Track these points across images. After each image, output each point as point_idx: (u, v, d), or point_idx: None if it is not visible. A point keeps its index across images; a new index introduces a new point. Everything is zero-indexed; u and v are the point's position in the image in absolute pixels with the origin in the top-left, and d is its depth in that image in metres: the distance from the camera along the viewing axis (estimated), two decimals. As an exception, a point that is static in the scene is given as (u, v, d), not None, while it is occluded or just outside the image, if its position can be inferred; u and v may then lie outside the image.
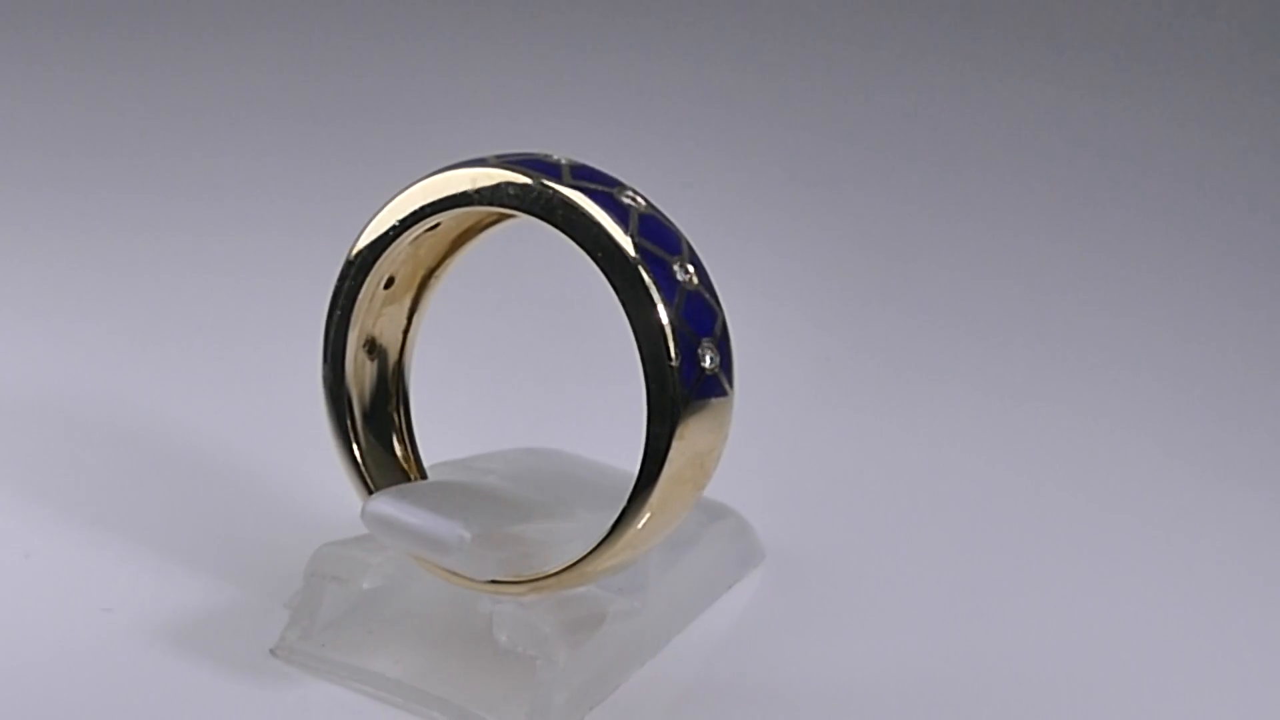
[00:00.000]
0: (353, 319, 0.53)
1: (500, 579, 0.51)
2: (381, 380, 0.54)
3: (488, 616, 0.52)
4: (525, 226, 0.51)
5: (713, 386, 0.49)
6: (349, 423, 0.54)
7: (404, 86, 0.83)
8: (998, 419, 0.66)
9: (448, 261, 0.55)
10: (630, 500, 0.49)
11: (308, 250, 0.69)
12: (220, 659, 0.53)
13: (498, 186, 0.50)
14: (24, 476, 0.58)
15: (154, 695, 0.52)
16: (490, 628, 0.52)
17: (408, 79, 0.83)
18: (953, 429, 0.65)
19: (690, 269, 0.50)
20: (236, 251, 0.71)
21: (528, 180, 0.50)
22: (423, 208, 0.52)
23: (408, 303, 0.54)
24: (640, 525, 0.50)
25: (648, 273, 0.49)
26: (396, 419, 0.55)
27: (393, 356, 0.55)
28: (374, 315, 0.54)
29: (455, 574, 0.52)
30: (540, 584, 0.51)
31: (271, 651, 0.53)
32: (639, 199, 0.50)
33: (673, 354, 0.49)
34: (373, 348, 0.54)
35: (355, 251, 0.53)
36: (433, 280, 0.55)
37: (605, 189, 0.50)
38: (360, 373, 0.54)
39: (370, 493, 0.53)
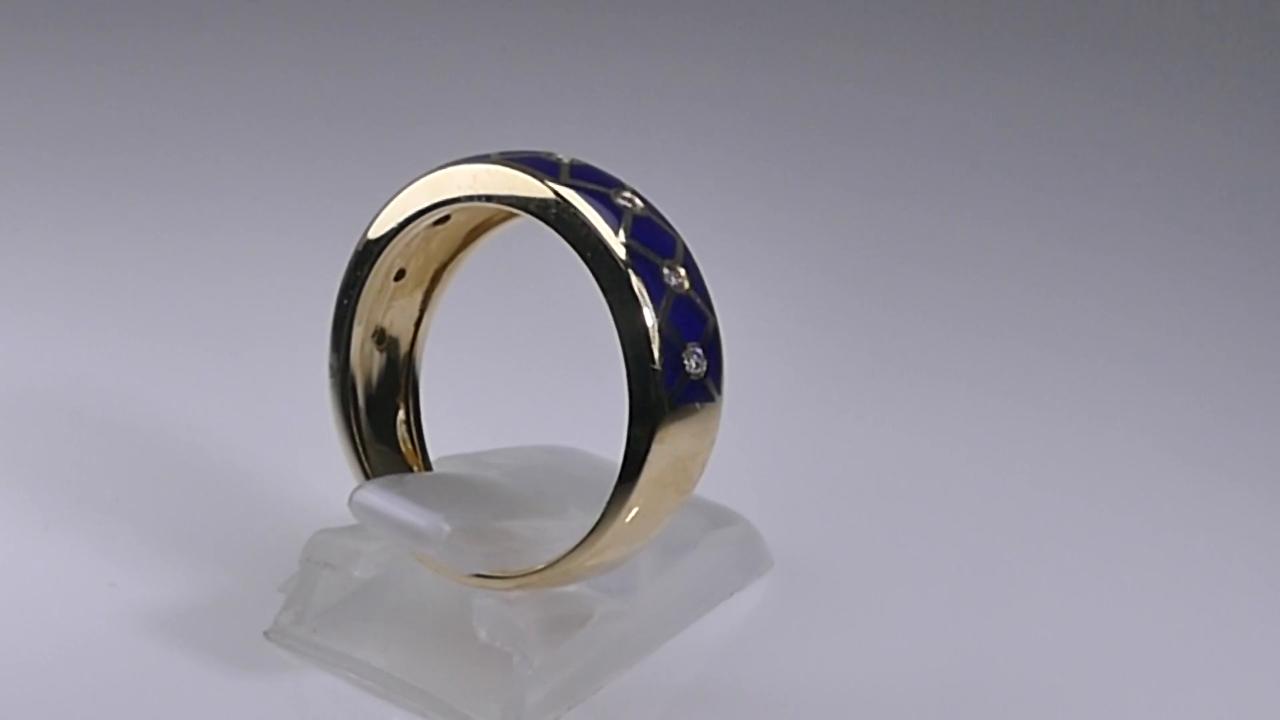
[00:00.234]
0: (359, 309, 0.53)
1: (487, 574, 0.52)
2: (391, 371, 0.55)
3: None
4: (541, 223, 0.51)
5: (697, 391, 0.49)
6: (352, 411, 0.54)
7: (416, 86, 0.83)
8: (1005, 423, 0.66)
9: (461, 256, 0.55)
10: (610, 501, 0.49)
11: (314, 246, 0.70)
12: (216, 640, 0.54)
13: (494, 183, 0.51)
14: (30, 465, 0.59)
15: (148, 673, 0.52)
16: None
17: (421, 78, 0.84)
18: (962, 435, 0.65)
19: (682, 273, 0.50)
20: (242, 248, 0.72)
21: (526, 177, 0.50)
22: (425, 202, 0.52)
23: (420, 296, 0.55)
24: (619, 526, 0.50)
25: (634, 274, 0.49)
26: (404, 410, 0.55)
27: (404, 348, 0.55)
28: (384, 306, 0.54)
29: (444, 567, 0.52)
30: (525, 581, 0.51)
31: (265, 634, 0.54)
32: (637, 201, 0.50)
33: (655, 357, 0.49)
34: (382, 338, 0.55)
35: (361, 243, 0.53)
36: (445, 274, 0.55)
37: (602, 189, 0.50)
38: (367, 362, 0.54)
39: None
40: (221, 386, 0.64)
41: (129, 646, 0.53)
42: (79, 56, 0.84)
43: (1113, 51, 0.94)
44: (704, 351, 0.49)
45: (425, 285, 0.55)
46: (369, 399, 0.54)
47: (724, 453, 0.60)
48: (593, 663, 0.52)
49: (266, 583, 0.55)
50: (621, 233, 0.49)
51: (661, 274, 0.49)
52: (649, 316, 0.49)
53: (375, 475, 0.53)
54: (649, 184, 0.51)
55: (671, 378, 0.49)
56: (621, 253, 0.49)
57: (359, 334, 0.54)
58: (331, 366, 0.54)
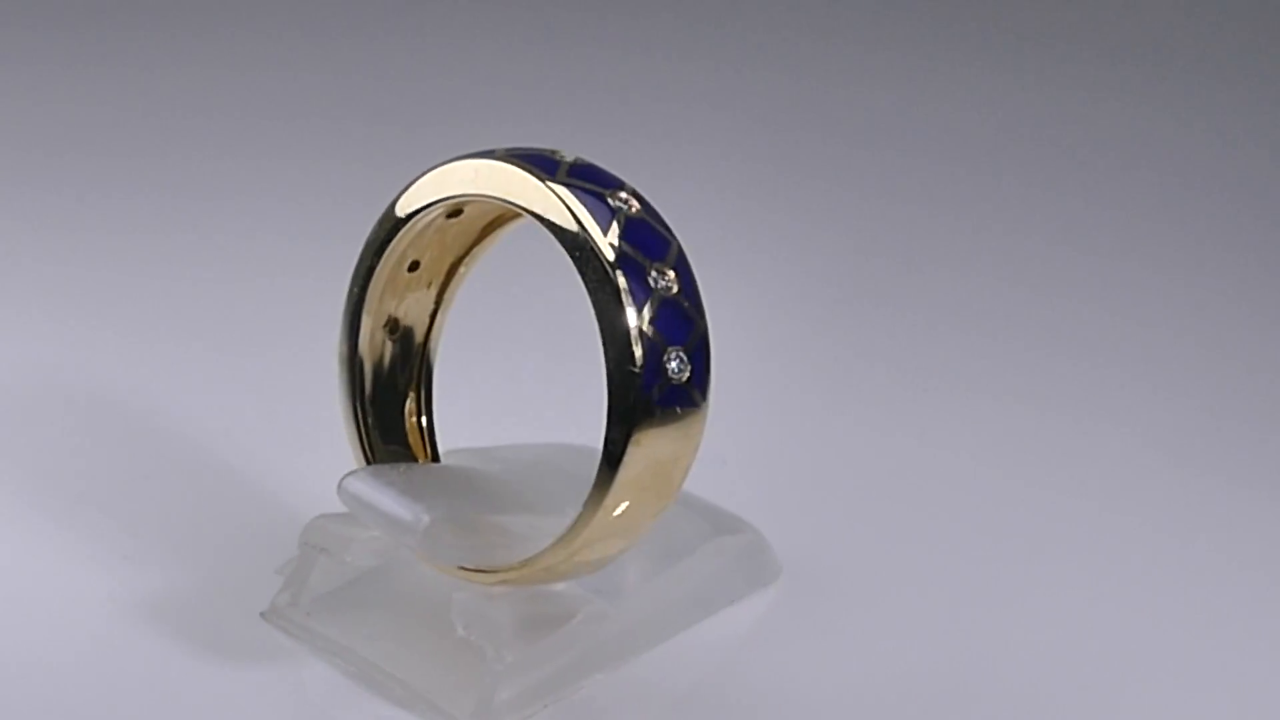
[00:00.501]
0: (368, 298, 0.54)
1: (472, 568, 0.52)
2: (403, 361, 0.55)
3: (465, 605, 0.52)
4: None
5: (679, 396, 0.49)
6: (358, 399, 0.55)
7: (423, 86, 0.84)
8: (1008, 425, 0.65)
9: (476, 250, 0.55)
10: (586, 501, 0.49)
11: (320, 242, 0.71)
12: (214, 618, 0.54)
13: (494, 179, 0.51)
14: (38, 456, 0.60)
15: (143, 649, 0.53)
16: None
17: (430, 78, 0.84)
18: (968, 438, 0.64)
19: (671, 276, 0.49)
20: (248, 245, 0.73)
21: (524, 174, 0.50)
22: (429, 196, 0.52)
23: (435, 288, 0.55)
24: (596, 527, 0.49)
25: (619, 275, 0.49)
26: (414, 401, 0.55)
27: (418, 340, 0.55)
28: (396, 297, 0.55)
29: (428, 559, 0.52)
30: (507, 576, 0.51)
31: (261, 614, 0.54)
32: (633, 203, 0.50)
33: (636, 359, 0.48)
34: (395, 328, 0.55)
35: (371, 233, 0.54)
36: (462, 268, 0.55)
37: (598, 189, 0.50)
38: (377, 351, 0.55)
39: (371, 470, 0.54)
40: (230, 380, 0.64)
41: (126, 624, 0.54)
42: (81, 57, 0.85)
43: (1110, 51, 0.92)
44: (689, 356, 0.49)
45: (441, 278, 0.55)
46: (377, 388, 0.55)
47: (735, 458, 0.60)
48: (573, 662, 0.52)
49: (271, 565, 0.56)
50: (611, 233, 0.49)
51: (648, 276, 0.49)
52: (631, 318, 0.48)
53: (379, 464, 0.54)
54: (648, 184, 0.51)
55: (651, 381, 0.48)
56: (608, 253, 0.49)
57: (369, 323, 0.54)
58: (341, 354, 0.55)
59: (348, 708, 0.52)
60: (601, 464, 0.49)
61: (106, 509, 0.58)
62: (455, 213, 0.53)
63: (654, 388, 0.49)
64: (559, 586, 0.53)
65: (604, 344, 0.49)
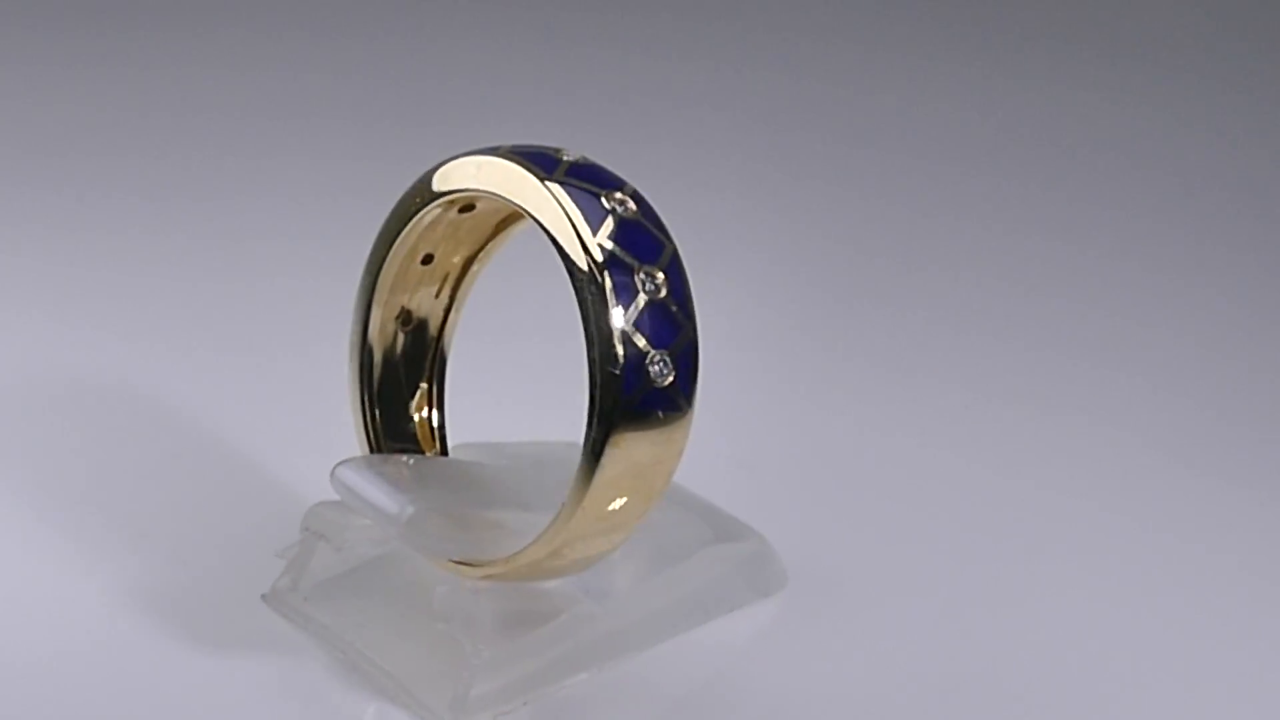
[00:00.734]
0: (378, 287, 0.54)
1: (461, 560, 0.52)
2: (416, 353, 0.56)
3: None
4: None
5: (661, 400, 0.49)
6: (365, 388, 0.55)
7: (432, 87, 0.84)
8: (1009, 428, 0.65)
9: (491, 246, 0.55)
10: (565, 501, 0.49)
11: (328, 239, 0.71)
12: (218, 599, 0.55)
13: (493, 175, 0.51)
14: (43, 447, 0.61)
15: (147, 629, 0.54)
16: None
17: (437, 77, 0.84)
18: (967, 441, 0.64)
19: (661, 279, 0.49)
20: (256, 243, 0.73)
21: (523, 172, 0.50)
22: (432, 189, 0.53)
23: (449, 282, 0.56)
24: (574, 526, 0.49)
25: (604, 276, 0.49)
26: (424, 394, 0.56)
27: (431, 332, 0.56)
28: (409, 289, 0.55)
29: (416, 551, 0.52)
30: (492, 571, 0.52)
31: (262, 597, 0.55)
32: (630, 204, 0.50)
33: (617, 360, 0.48)
34: (408, 319, 0.55)
35: (382, 225, 0.54)
36: (476, 264, 0.56)
37: (594, 189, 0.50)
38: (389, 341, 0.55)
39: (375, 459, 0.54)
40: (240, 374, 0.65)
41: (131, 602, 0.55)
42: (80, 58, 0.86)
43: (1110, 51, 0.91)
44: (673, 361, 0.49)
45: (456, 273, 0.56)
46: (386, 378, 0.55)
47: (733, 460, 0.60)
48: (555, 661, 0.52)
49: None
50: (601, 234, 0.49)
51: (636, 279, 0.49)
52: (614, 319, 0.48)
53: (378, 454, 0.54)
54: (647, 184, 0.51)
55: (631, 383, 0.48)
56: (596, 253, 0.49)
57: (379, 313, 0.55)
58: (351, 342, 0.55)
59: (333, 695, 0.52)
60: (581, 463, 0.49)
61: (116, 492, 0.59)
62: (468, 208, 0.54)
63: (635, 390, 0.48)
64: (549, 585, 0.53)
65: (587, 344, 0.49)
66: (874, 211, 0.78)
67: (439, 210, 0.53)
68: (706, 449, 0.60)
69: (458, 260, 0.55)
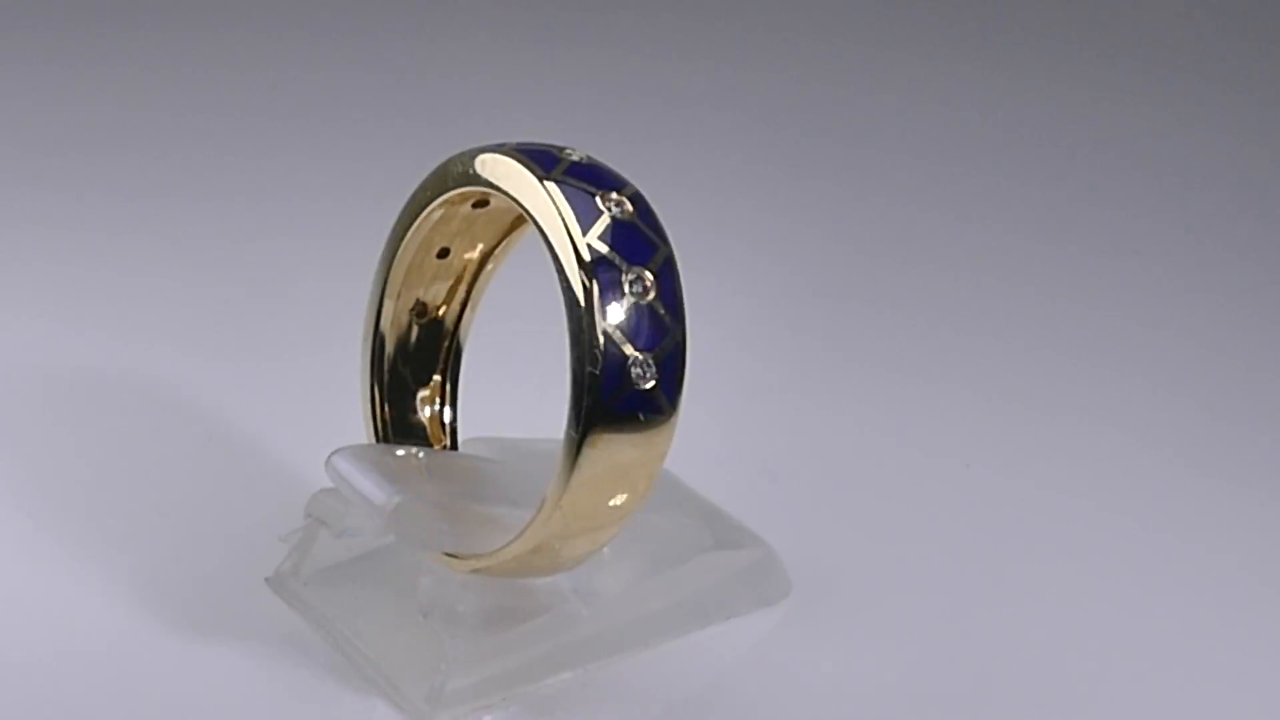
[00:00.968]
0: (390, 278, 0.55)
1: (450, 554, 0.52)
2: (430, 346, 0.56)
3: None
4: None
5: (642, 402, 0.49)
6: (376, 379, 0.55)
7: (431, 85, 0.83)
8: (1009, 428, 0.64)
9: (508, 242, 0.56)
10: (543, 499, 0.49)
11: (344, 235, 0.72)
12: (224, 580, 0.56)
13: (494, 172, 0.51)
14: (51, 433, 0.62)
15: (154, 611, 0.55)
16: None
17: (436, 77, 0.84)
18: (969, 442, 0.64)
19: (650, 280, 0.49)
20: (274, 232, 0.74)
21: (522, 169, 0.50)
22: (440, 184, 0.53)
23: (467, 276, 0.56)
24: (552, 524, 0.49)
25: (590, 276, 0.48)
26: (435, 387, 0.56)
27: (447, 325, 0.56)
28: (424, 282, 0.55)
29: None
30: (478, 565, 0.52)
31: (266, 580, 0.56)
32: (626, 206, 0.50)
33: (597, 361, 0.48)
34: (423, 312, 0.56)
35: (397, 218, 0.55)
36: (490, 263, 0.56)
37: (590, 189, 0.50)
38: (402, 333, 0.56)
39: (382, 450, 0.54)
40: (252, 367, 0.66)
41: (139, 579, 0.56)
42: (81, 57, 0.86)
43: (1107, 51, 0.90)
44: (657, 364, 0.49)
45: (473, 268, 0.56)
46: (397, 369, 0.56)
47: (729, 461, 0.59)
48: (537, 659, 0.52)
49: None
50: (591, 234, 0.49)
51: (623, 280, 0.49)
52: (597, 320, 0.48)
53: (380, 444, 0.55)
54: (645, 183, 0.51)
55: (610, 384, 0.48)
56: (584, 253, 0.49)
57: (392, 305, 0.55)
58: (364, 330, 0.56)
59: (324, 682, 0.53)
60: (559, 462, 0.49)
61: (133, 478, 0.60)
62: (482, 203, 0.54)
63: (614, 391, 0.48)
64: (538, 582, 0.53)
65: (570, 343, 0.49)
66: (874, 211, 0.77)
67: (451, 205, 0.53)
68: (716, 452, 0.60)
69: (474, 255, 0.56)
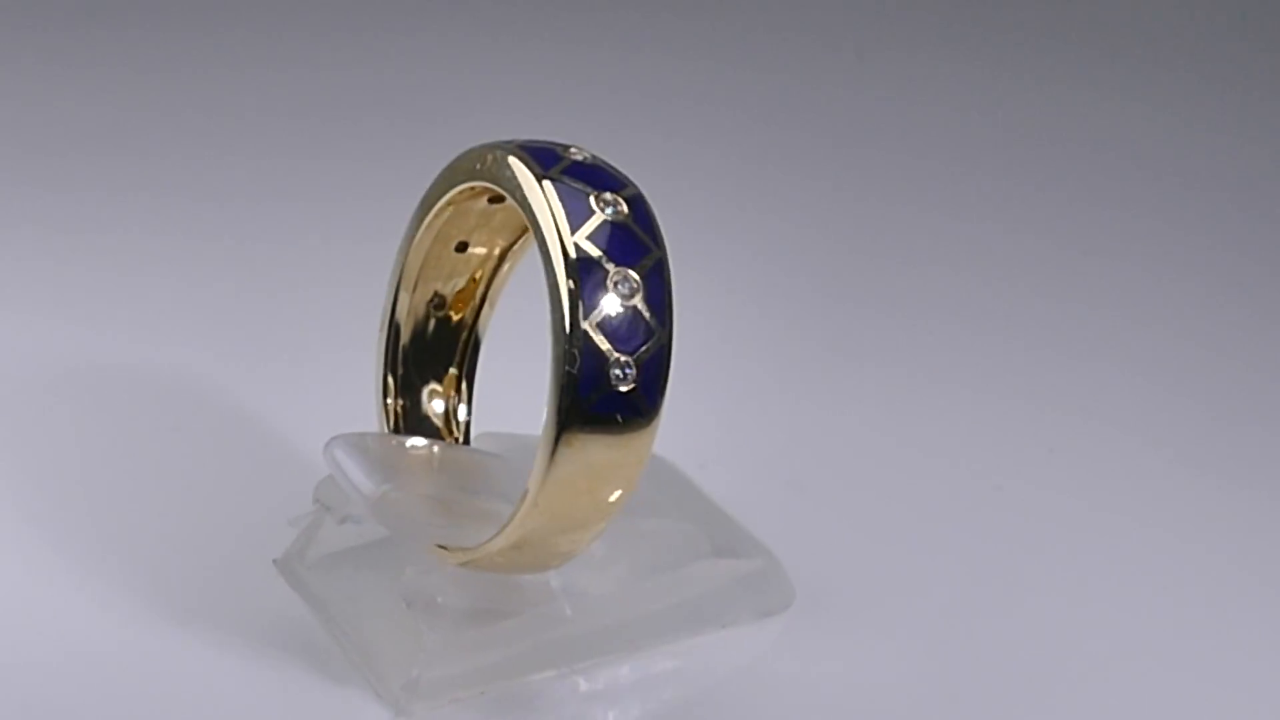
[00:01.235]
0: (405, 271, 0.55)
1: (440, 545, 0.53)
2: (447, 338, 0.56)
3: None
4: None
5: (620, 404, 0.48)
6: (390, 369, 0.56)
7: (431, 85, 0.83)
8: (1010, 428, 0.64)
9: (525, 239, 0.56)
10: (521, 497, 0.49)
11: (357, 228, 0.72)
12: (232, 561, 0.57)
13: (496, 168, 0.51)
14: (59, 425, 0.63)
15: (162, 587, 0.56)
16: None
17: (438, 77, 0.83)
18: (970, 442, 0.63)
19: (637, 282, 0.49)
20: (288, 230, 0.74)
21: (522, 167, 0.51)
22: (448, 178, 0.53)
23: (486, 270, 0.56)
24: (527, 523, 0.49)
25: (574, 275, 0.48)
26: (454, 380, 0.56)
27: (465, 318, 0.56)
28: (442, 276, 0.56)
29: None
30: (464, 559, 0.52)
31: (274, 561, 0.56)
32: (622, 207, 0.50)
33: (575, 360, 0.48)
34: (442, 304, 0.56)
35: (414, 210, 0.55)
36: (510, 255, 0.56)
37: (587, 189, 0.50)
38: (419, 324, 0.56)
39: (391, 440, 0.55)
40: (265, 363, 0.67)
41: (148, 560, 0.57)
42: (80, 57, 0.87)
43: (1107, 51, 0.88)
44: (639, 366, 0.49)
45: (493, 263, 0.56)
46: (412, 360, 0.56)
47: (751, 473, 0.59)
48: (517, 656, 0.52)
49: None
50: (580, 233, 0.49)
51: (609, 281, 0.49)
52: (580, 320, 0.48)
53: (385, 433, 0.55)
54: (647, 184, 0.51)
55: (588, 384, 0.48)
56: (571, 252, 0.49)
57: (408, 296, 0.56)
58: (381, 322, 0.56)
59: (313, 664, 0.54)
60: (536, 461, 0.49)
61: (152, 456, 0.61)
62: (498, 198, 0.54)
63: (591, 392, 0.48)
64: (529, 579, 0.53)
65: (552, 341, 0.49)
66: (874, 211, 0.76)
67: (463, 199, 0.54)
68: (727, 455, 0.60)
69: (492, 250, 0.56)
